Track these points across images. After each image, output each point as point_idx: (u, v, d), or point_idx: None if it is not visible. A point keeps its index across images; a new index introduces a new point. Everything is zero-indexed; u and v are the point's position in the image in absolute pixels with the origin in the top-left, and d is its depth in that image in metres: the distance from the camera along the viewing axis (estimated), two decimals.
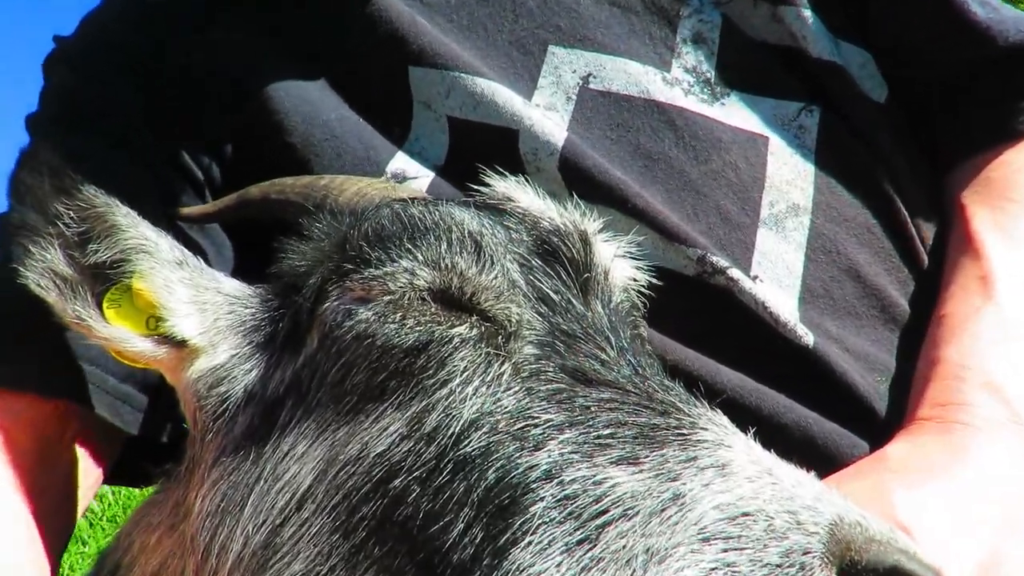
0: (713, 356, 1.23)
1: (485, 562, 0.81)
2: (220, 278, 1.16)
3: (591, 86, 1.33)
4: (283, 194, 1.20)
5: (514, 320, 0.98)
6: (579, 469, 0.80)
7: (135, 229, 1.11)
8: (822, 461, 1.15)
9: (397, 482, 0.91)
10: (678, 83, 1.37)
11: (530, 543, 0.78)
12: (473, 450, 0.90)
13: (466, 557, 0.82)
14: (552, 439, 0.87)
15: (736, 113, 1.37)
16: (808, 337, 1.24)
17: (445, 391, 0.93)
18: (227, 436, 1.05)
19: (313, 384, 1.02)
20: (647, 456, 0.81)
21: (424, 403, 0.93)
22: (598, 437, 0.85)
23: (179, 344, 1.10)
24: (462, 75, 1.31)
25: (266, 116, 1.33)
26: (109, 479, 1.39)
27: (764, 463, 0.77)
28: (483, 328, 0.97)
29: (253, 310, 1.14)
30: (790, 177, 1.35)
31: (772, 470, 0.76)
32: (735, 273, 1.26)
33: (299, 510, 0.95)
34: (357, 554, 0.90)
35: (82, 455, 1.31)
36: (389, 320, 0.97)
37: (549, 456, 0.82)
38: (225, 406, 1.07)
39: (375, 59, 1.35)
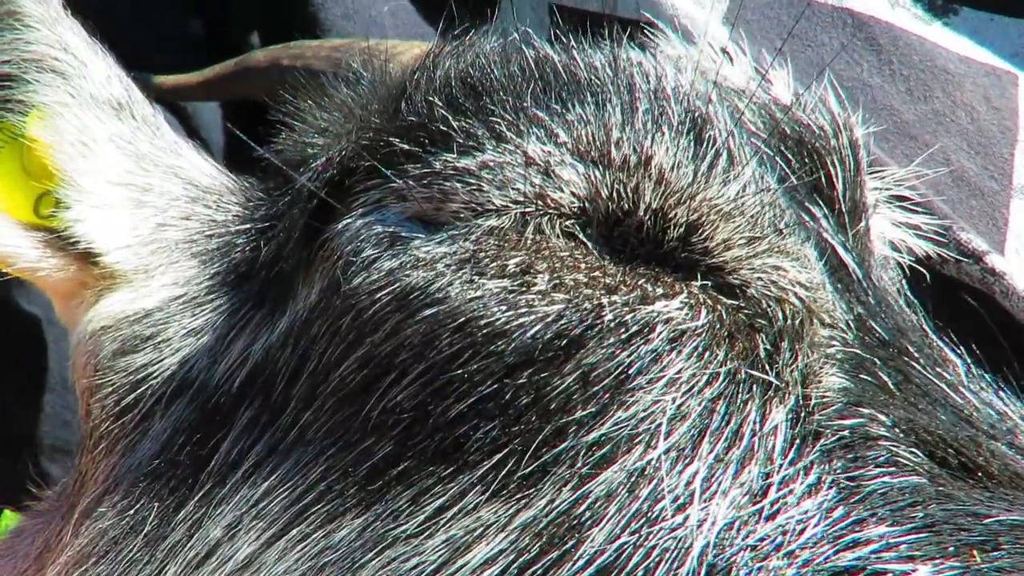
0: None
1: None
2: (185, 150, 0.75)
3: None
4: (302, 60, 0.94)
5: (799, 304, 0.50)
6: None
7: (49, 28, 0.73)
8: None
9: None
10: None
11: None
12: None
13: None
14: None
15: (965, 38, 1.12)
16: None
17: (622, 472, 0.42)
18: (126, 457, 0.59)
19: (296, 392, 0.51)
20: None
21: (568, 495, 0.42)
22: None
23: (83, 257, 0.69)
24: None
25: None
26: None
27: None
28: (723, 309, 0.48)
29: (230, 218, 0.69)
30: None
31: None
32: (998, 262, 0.97)
33: None
34: None
35: None
36: (491, 273, 0.46)
37: None
38: (139, 393, 0.61)
39: None
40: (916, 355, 0.54)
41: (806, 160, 0.64)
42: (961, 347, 0.67)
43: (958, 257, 0.97)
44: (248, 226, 0.66)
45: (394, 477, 0.44)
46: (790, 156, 0.65)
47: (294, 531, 0.45)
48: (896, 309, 0.60)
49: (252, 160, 0.73)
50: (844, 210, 0.64)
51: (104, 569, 0.53)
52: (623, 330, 0.44)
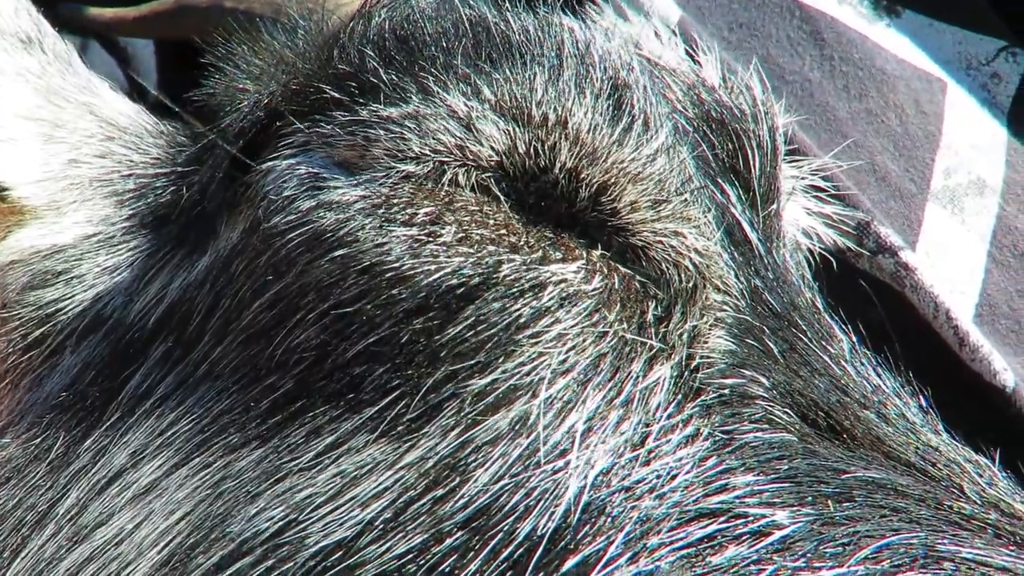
0: None
1: None
2: (101, 88, 0.73)
3: None
4: (245, 2, 0.93)
5: (693, 270, 0.52)
6: None
7: None
8: None
9: None
10: None
11: None
12: None
13: None
14: None
15: (905, 40, 1.13)
16: (1007, 375, 0.95)
17: (507, 420, 0.44)
18: (32, 392, 0.58)
19: (210, 328, 0.51)
20: None
21: (455, 438, 0.44)
22: None
23: None
24: None
25: None
26: None
27: None
28: (617, 276, 0.50)
29: (149, 160, 0.68)
30: (974, 140, 1.12)
31: None
32: (911, 258, 0.98)
33: None
34: None
35: None
36: (400, 220, 0.47)
37: None
38: (49, 327, 0.61)
39: None
40: (805, 328, 0.57)
41: (725, 140, 0.66)
42: (850, 329, 0.71)
43: (875, 250, 1.00)
44: (170, 170, 0.65)
45: (293, 414, 0.45)
46: (711, 135, 0.66)
47: (196, 460, 0.46)
48: (793, 287, 0.63)
49: (184, 101, 0.72)
50: (757, 191, 0.66)
51: (5, 494, 0.53)
52: (517, 286, 0.46)
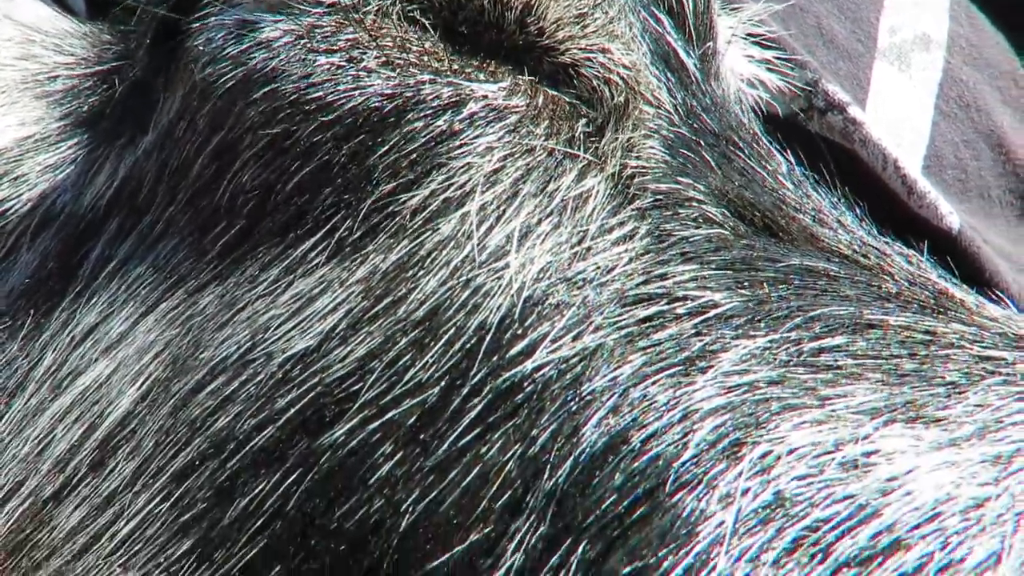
0: None
1: None
2: None
3: None
4: None
5: (623, 85, 0.53)
6: None
7: None
8: None
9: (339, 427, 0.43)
10: None
11: None
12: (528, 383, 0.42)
13: None
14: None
15: None
16: (952, 218, 0.98)
17: (446, 229, 0.47)
18: None
19: (161, 190, 0.53)
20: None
21: (399, 252, 0.47)
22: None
23: None
24: None
25: None
26: None
27: None
28: (543, 96, 0.52)
29: (75, 60, 0.67)
30: None
31: None
32: (858, 114, 0.97)
33: (99, 467, 0.46)
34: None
35: None
36: (323, 48, 0.49)
37: None
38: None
39: None
40: (743, 147, 0.58)
41: None
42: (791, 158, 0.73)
43: (824, 108, 0.98)
44: (98, 68, 0.66)
45: (246, 251, 0.48)
46: None
47: (162, 306, 0.48)
48: (731, 113, 0.63)
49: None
50: (692, 27, 0.66)
51: None
52: (439, 102, 0.48)
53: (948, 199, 1.01)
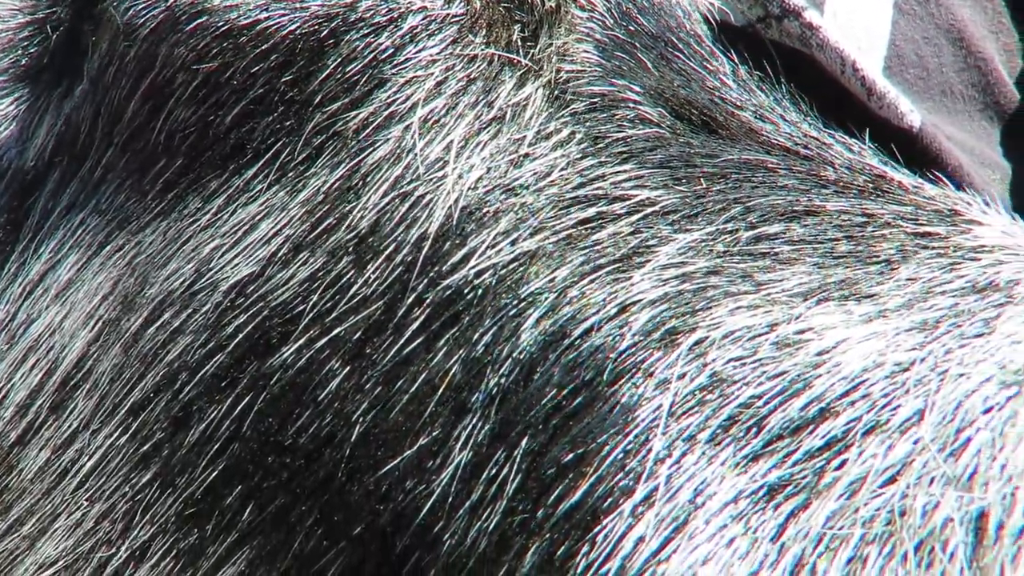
0: None
1: None
2: None
3: None
4: None
5: None
6: None
7: None
8: None
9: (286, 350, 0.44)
10: None
11: None
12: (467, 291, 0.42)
13: None
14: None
15: None
16: (913, 116, 0.96)
17: (387, 145, 0.47)
18: None
19: (97, 135, 0.53)
20: None
21: (341, 170, 0.47)
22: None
23: None
24: None
25: None
26: None
27: None
28: (480, 2, 0.51)
29: (10, 12, 0.65)
30: None
31: None
32: (815, 18, 0.95)
33: (59, 408, 0.47)
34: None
35: None
36: None
37: None
38: None
39: None
40: (682, 48, 0.58)
41: None
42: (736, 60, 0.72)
43: (780, 15, 0.97)
44: (31, 17, 0.65)
45: (187, 186, 0.48)
46: None
47: (107, 248, 0.49)
48: (672, 16, 0.62)
49: None
50: None
51: None
52: (378, 20, 0.47)
53: (910, 98, 0.99)
